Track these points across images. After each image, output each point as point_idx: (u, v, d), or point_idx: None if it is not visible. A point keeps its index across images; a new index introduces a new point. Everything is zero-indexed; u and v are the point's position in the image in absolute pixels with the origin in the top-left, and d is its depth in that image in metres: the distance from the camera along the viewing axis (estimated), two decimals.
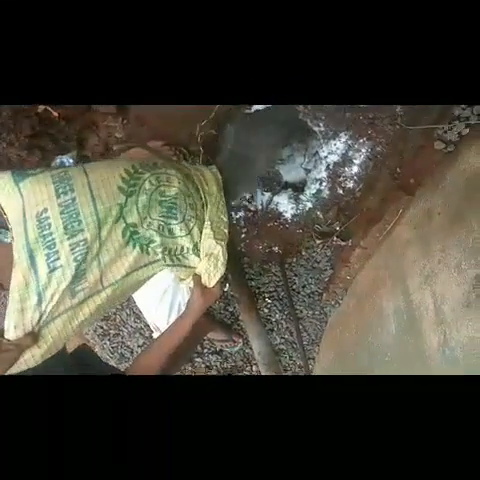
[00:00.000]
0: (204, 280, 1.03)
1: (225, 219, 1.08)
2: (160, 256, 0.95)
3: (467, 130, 1.29)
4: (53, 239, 0.78)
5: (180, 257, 1.01)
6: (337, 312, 1.93)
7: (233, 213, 1.77)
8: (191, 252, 1.01)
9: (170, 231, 0.97)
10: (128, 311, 2.02)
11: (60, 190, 0.80)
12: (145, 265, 0.94)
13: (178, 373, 1.97)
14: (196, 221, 1.01)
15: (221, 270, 1.02)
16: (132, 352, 2.08)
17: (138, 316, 2.01)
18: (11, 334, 0.77)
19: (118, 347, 2.09)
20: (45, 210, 0.78)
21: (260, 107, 1.56)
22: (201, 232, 1.03)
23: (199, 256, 1.03)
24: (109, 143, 1.57)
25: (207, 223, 1.04)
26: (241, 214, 1.77)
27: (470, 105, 1.28)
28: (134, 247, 0.90)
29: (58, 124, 1.49)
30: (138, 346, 2.06)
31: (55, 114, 1.46)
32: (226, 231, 1.06)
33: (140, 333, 2.04)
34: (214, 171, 1.13)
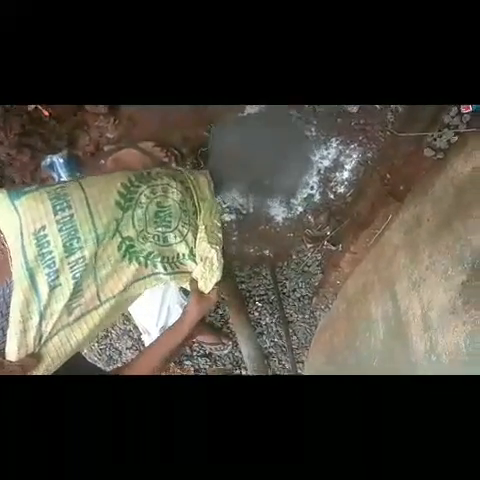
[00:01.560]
0: (201, 286, 1.02)
1: (218, 224, 1.07)
2: (159, 266, 0.95)
3: (456, 138, 1.31)
4: (53, 257, 0.77)
5: (178, 263, 1.00)
6: (327, 316, 1.94)
7: (225, 216, 1.77)
8: (187, 257, 1.01)
9: (165, 240, 0.96)
10: None
11: (58, 207, 0.77)
12: (143, 278, 0.93)
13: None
14: (189, 227, 1.01)
15: (217, 274, 1.01)
16: (120, 354, 2.07)
17: (127, 318, 1.99)
18: (14, 356, 0.75)
19: (106, 349, 2.07)
20: (43, 228, 0.76)
21: (253, 111, 1.57)
22: (195, 238, 1.03)
23: (195, 261, 1.02)
24: (100, 143, 1.56)
25: (201, 228, 1.03)
26: (232, 217, 1.77)
27: (460, 110, 1.29)
28: (130, 261, 0.89)
29: (49, 123, 1.47)
30: (126, 348, 2.05)
31: (46, 113, 1.44)
32: (220, 235, 1.05)
33: (129, 335, 2.03)
34: (207, 175, 1.13)
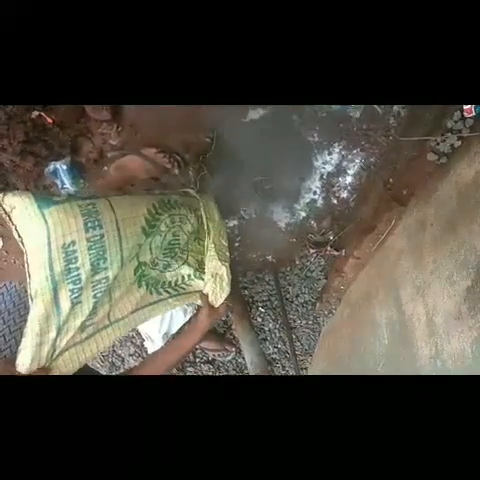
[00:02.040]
0: (211, 300, 1.06)
1: (225, 244, 1.13)
2: (163, 293, 0.99)
3: (459, 142, 1.30)
4: (79, 274, 0.76)
5: (183, 286, 1.05)
6: (330, 322, 1.93)
7: (227, 221, 1.77)
8: (193, 277, 1.06)
9: (169, 266, 1.01)
10: None
11: (89, 224, 0.77)
12: (150, 304, 0.96)
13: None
14: (188, 252, 1.07)
15: (226, 290, 1.07)
16: (123, 360, 2.06)
17: None
18: (26, 368, 0.75)
19: (109, 355, 2.06)
20: (73, 243, 0.75)
21: (255, 116, 1.57)
22: (197, 259, 1.09)
23: (203, 279, 1.07)
24: (103, 150, 1.57)
25: (211, 246, 1.08)
26: (235, 222, 1.77)
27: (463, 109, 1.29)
28: (140, 285, 0.92)
29: (52, 130, 1.48)
30: (129, 355, 2.04)
31: (49, 120, 1.45)
32: (227, 254, 1.11)
33: (131, 341, 2.02)
34: (212, 200, 1.20)
